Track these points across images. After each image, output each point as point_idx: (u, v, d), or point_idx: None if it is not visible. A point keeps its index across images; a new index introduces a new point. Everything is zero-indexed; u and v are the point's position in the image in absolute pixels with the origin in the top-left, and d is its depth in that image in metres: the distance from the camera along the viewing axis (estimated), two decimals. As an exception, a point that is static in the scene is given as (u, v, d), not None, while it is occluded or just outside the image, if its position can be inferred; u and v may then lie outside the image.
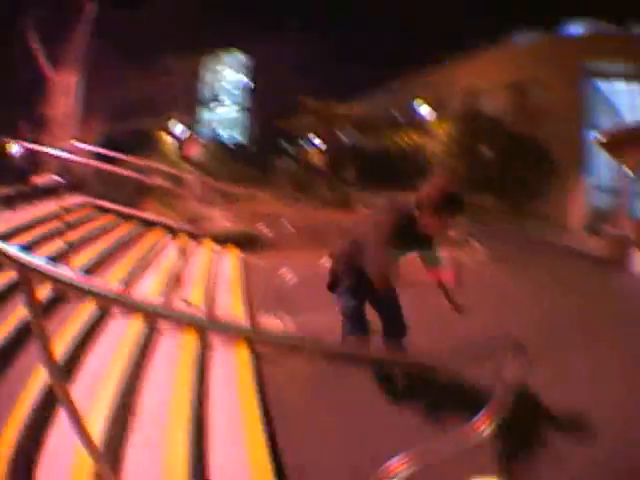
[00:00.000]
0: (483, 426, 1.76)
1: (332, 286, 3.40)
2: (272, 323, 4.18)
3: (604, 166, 19.93)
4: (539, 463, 2.73)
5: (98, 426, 2.17)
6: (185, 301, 4.24)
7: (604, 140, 14.81)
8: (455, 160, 20.64)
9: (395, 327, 3.33)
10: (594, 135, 17.66)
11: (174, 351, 3.24)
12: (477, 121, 20.47)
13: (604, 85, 20.64)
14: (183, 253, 5.44)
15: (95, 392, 2.50)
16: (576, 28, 22.13)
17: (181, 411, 2.55)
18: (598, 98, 20.49)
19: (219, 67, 51.12)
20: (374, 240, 2.84)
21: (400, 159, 24.79)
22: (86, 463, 1.86)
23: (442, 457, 1.83)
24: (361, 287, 3.08)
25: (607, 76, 20.15)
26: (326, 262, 3.49)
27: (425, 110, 23.17)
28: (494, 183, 19.40)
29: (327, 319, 3.84)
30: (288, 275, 4.47)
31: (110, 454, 2.06)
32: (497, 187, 19.48)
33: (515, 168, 18.77)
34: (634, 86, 19.58)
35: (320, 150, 29.16)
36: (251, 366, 3.30)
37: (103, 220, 7.06)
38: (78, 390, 2.40)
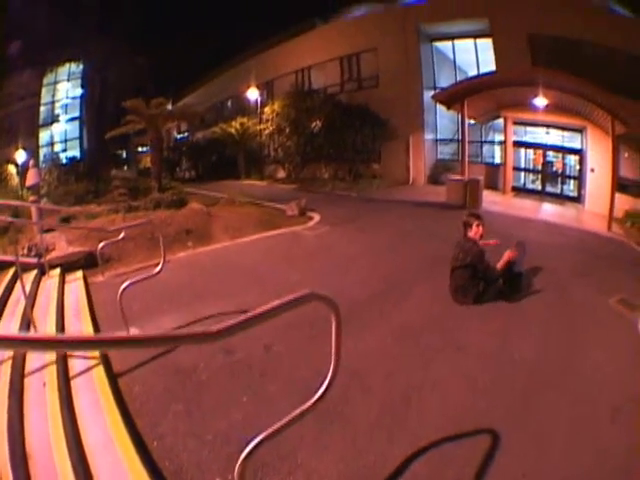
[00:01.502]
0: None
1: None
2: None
3: (446, 121, 20.59)
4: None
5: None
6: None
7: (443, 97, 15.33)
8: (286, 137, 20.34)
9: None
10: (433, 93, 18.12)
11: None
12: (307, 96, 20.43)
13: (444, 45, 21.21)
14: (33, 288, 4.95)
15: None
16: None
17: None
18: (438, 59, 20.99)
19: (57, 82, 45.62)
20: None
21: (232, 147, 23.91)
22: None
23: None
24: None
25: (447, 37, 20.69)
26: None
27: (255, 94, 22.86)
28: (328, 153, 19.47)
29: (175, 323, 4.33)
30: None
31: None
32: (332, 156, 19.54)
33: (346, 136, 18.75)
34: (471, 43, 20.19)
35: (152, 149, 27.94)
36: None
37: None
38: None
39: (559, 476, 2.55)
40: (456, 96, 15.09)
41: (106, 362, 3.60)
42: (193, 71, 35.61)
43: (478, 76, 15.21)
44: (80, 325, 4.70)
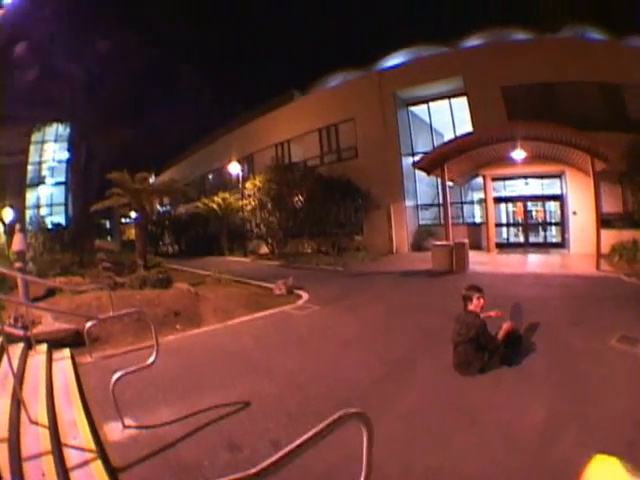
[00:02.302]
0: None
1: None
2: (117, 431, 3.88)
3: (424, 186, 20.85)
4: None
5: None
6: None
7: (423, 164, 15.45)
8: (269, 213, 20.27)
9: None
10: (412, 160, 18.70)
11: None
12: (287, 171, 20.36)
13: (420, 109, 21.66)
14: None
15: None
16: (393, 60, 22.70)
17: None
18: (415, 123, 21.43)
19: (44, 141, 45.80)
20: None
21: (215, 222, 23.89)
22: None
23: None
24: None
25: (422, 101, 21.20)
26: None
27: (236, 168, 22.62)
28: (310, 227, 19.41)
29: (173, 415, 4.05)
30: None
31: None
32: (315, 230, 19.46)
33: (328, 210, 18.75)
34: (446, 104, 20.69)
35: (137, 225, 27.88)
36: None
37: None
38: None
39: None
40: (436, 162, 15.33)
41: (104, 456, 3.38)
42: (176, 144, 36.29)
43: (456, 139, 15.39)
44: (72, 411, 4.43)
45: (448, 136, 18.63)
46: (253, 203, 21.10)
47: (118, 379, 3.85)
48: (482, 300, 5.20)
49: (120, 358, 5.31)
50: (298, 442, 1.54)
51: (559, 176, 18.89)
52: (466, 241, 14.29)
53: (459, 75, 19.24)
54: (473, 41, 21.83)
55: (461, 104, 19.77)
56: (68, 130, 44.34)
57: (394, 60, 22.70)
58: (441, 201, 18.84)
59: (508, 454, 3.32)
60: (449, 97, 20.45)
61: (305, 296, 10.22)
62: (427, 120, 21.65)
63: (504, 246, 19.75)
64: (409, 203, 20.15)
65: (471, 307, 5.17)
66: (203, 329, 7.67)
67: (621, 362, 5.07)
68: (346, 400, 4.22)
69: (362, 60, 24.94)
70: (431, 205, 21.14)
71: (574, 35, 20.59)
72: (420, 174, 18.38)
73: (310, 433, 1.58)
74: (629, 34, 20.98)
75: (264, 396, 4.48)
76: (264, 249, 22.30)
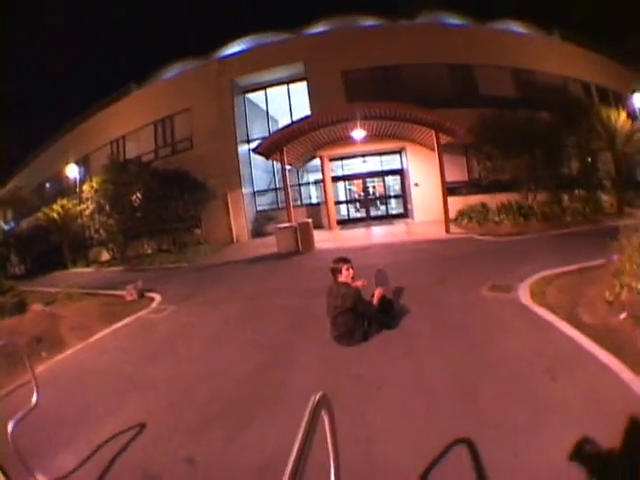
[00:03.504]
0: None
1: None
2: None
3: (260, 172, 20.93)
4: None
5: None
6: None
7: (262, 149, 15.19)
8: (107, 216, 18.85)
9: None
10: (247, 147, 18.87)
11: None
12: (123, 169, 18.98)
13: (256, 96, 21.52)
14: None
15: None
16: (234, 48, 22.11)
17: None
18: (251, 110, 21.24)
19: None
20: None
21: (57, 233, 21.39)
22: None
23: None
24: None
25: (260, 87, 21.02)
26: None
27: (74, 172, 20.83)
28: (150, 226, 18.41)
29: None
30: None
31: None
32: (154, 229, 18.55)
33: (166, 206, 17.91)
34: (284, 91, 20.79)
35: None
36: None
37: None
38: None
39: None
40: (275, 145, 15.26)
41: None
42: (20, 150, 32.84)
43: (295, 122, 15.34)
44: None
45: (284, 122, 18.52)
46: (91, 207, 19.22)
47: (15, 429, 3.13)
48: (352, 270, 5.31)
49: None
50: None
51: (399, 152, 19.93)
52: (310, 220, 14.27)
53: (300, 61, 19.39)
54: (319, 28, 22.00)
55: (300, 90, 19.94)
56: None
57: (235, 48, 22.20)
58: (278, 185, 19.51)
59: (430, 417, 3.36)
60: (288, 82, 20.56)
61: (158, 298, 9.70)
62: (264, 107, 21.66)
63: (346, 222, 20.46)
64: (246, 190, 19.89)
65: (342, 278, 5.27)
66: (68, 352, 6.92)
67: (498, 306, 5.74)
68: (240, 397, 4.14)
69: (204, 50, 23.83)
70: (268, 190, 21.16)
71: (429, 21, 22.08)
72: (256, 160, 18.54)
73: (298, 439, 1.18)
74: (492, 19, 23.59)
75: (156, 413, 4.11)
76: (106, 256, 20.74)
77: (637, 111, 17.31)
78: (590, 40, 23.26)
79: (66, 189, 23.27)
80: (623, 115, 17.15)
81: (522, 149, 15.46)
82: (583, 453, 2.65)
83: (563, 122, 16.18)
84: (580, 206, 15.49)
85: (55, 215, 21.42)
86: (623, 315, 4.64)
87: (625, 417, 2.92)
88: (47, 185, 26.46)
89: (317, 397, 1.40)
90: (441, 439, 2.95)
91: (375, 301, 5.30)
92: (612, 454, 2.61)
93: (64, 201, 21.63)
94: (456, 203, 16.72)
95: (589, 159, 17.85)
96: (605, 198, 17.34)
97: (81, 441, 3.92)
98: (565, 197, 16.68)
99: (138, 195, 17.89)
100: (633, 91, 17.93)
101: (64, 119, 28.52)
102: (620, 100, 20.11)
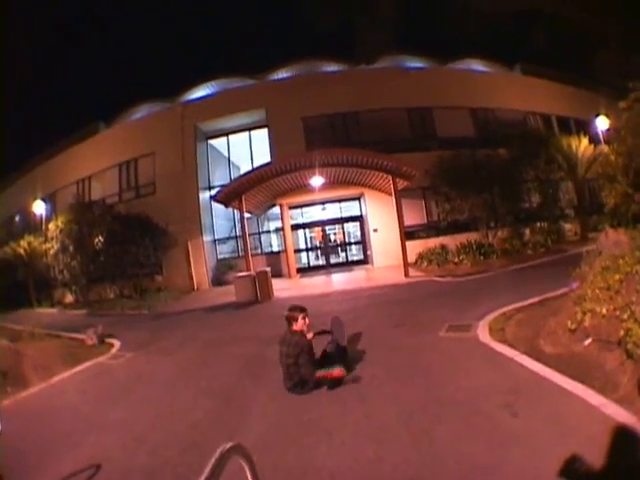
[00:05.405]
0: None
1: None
2: None
3: (221, 220, 21.17)
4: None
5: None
6: None
7: (221, 196, 15.38)
8: (70, 257, 18.84)
9: None
10: (209, 194, 18.89)
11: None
12: (87, 210, 19.13)
13: (219, 142, 21.83)
14: None
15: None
16: (198, 93, 22.56)
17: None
18: (213, 157, 21.50)
19: None
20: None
21: (23, 270, 21.36)
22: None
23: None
24: None
25: (222, 133, 21.30)
26: None
27: (41, 208, 20.82)
28: (112, 270, 18.50)
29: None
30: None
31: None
32: (116, 274, 18.62)
33: (127, 250, 18.00)
34: (245, 137, 21.09)
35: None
36: None
37: None
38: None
39: None
40: (234, 193, 15.44)
41: None
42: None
43: (254, 169, 15.58)
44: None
45: (245, 169, 19.04)
46: (56, 246, 19.27)
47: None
48: (307, 319, 5.37)
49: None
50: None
51: (358, 198, 20.41)
52: (268, 269, 14.46)
53: (262, 107, 19.90)
54: (281, 74, 22.67)
55: (261, 136, 20.38)
56: None
57: (199, 92, 22.73)
58: (239, 233, 19.74)
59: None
60: (250, 129, 21.01)
61: (117, 344, 10.03)
62: (225, 153, 22.08)
63: (306, 270, 20.93)
64: (207, 238, 20.20)
65: (296, 327, 5.29)
66: (31, 390, 7.24)
67: (456, 346, 5.89)
68: (192, 443, 4.21)
69: (170, 92, 24.50)
70: (228, 238, 21.52)
71: (389, 65, 22.66)
72: (217, 208, 18.73)
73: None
74: (454, 59, 24.22)
75: (111, 454, 4.25)
76: (69, 297, 20.98)
77: (600, 134, 17.88)
78: (553, 68, 24.36)
79: (33, 225, 23.21)
80: (585, 141, 17.75)
81: (480, 188, 16.08)
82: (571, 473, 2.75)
83: (522, 157, 16.83)
84: (542, 238, 15.97)
85: (22, 251, 21.39)
86: (588, 341, 4.72)
87: (601, 440, 3.00)
88: (17, 218, 26.19)
89: (226, 447, 1.50)
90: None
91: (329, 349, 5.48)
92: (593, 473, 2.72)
93: (31, 238, 21.62)
94: (415, 246, 17.10)
95: (550, 190, 18.42)
96: (568, 227, 17.90)
97: (38, 477, 4.09)
98: (527, 231, 17.26)
99: (100, 238, 18.03)
100: (597, 115, 18.50)
101: (34, 151, 27.97)
102: (583, 126, 20.87)
